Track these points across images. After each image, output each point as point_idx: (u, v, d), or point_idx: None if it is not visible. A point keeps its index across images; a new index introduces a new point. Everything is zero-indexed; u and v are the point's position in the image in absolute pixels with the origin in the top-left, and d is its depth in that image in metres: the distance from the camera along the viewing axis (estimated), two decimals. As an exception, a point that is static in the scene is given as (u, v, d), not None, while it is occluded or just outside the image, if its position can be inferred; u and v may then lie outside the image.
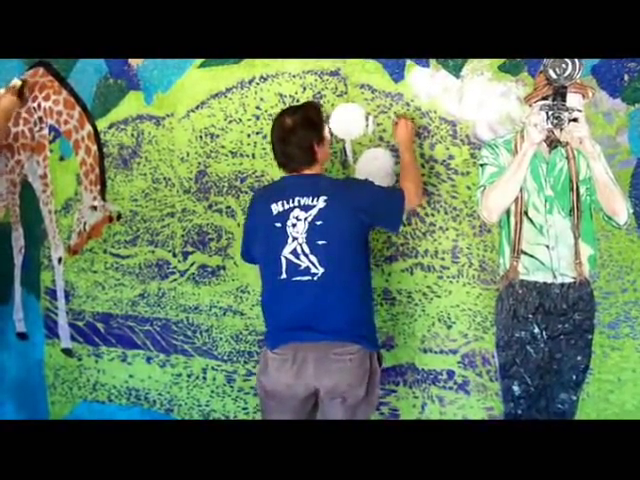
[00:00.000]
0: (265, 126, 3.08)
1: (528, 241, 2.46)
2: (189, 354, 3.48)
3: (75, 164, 3.65)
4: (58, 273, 3.81)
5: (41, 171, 3.79)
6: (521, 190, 2.40)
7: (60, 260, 3.79)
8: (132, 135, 3.48)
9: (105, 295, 3.67)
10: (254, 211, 2.68)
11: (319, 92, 3.04)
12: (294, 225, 2.49)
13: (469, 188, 2.82)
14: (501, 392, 2.59)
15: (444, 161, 2.87)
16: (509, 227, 2.50)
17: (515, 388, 2.51)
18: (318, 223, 2.47)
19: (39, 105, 3.73)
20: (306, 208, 2.49)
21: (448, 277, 2.91)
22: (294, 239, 2.49)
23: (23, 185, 3.87)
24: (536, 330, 2.48)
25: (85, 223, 3.66)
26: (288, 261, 2.50)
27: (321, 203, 2.48)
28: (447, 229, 2.90)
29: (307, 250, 2.47)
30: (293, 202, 2.51)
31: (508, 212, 2.48)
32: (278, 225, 2.51)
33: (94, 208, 3.62)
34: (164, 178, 3.43)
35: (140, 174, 3.49)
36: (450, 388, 2.95)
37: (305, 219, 2.48)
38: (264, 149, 3.11)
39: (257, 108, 3.16)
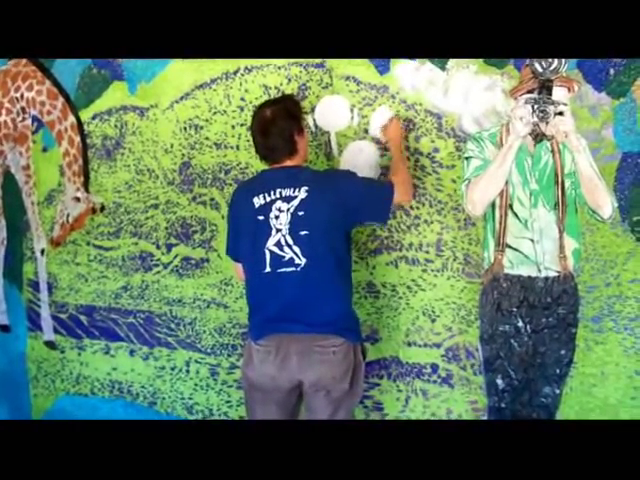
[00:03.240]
0: (250, 118, 3.03)
1: (513, 235, 2.46)
2: (172, 347, 3.46)
3: (58, 155, 3.62)
4: (41, 265, 3.78)
5: (24, 162, 3.75)
6: (506, 183, 2.40)
7: (43, 252, 3.76)
8: (116, 126, 3.45)
9: (88, 287, 3.64)
10: (236, 206, 2.67)
11: (304, 84, 3.02)
12: (277, 217, 2.49)
13: (454, 181, 2.82)
14: (485, 386, 2.59)
15: (429, 154, 2.86)
16: (494, 220, 2.50)
17: (499, 382, 2.50)
18: (300, 214, 2.47)
19: (22, 95, 3.69)
20: (288, 199, 2.49)
21: (432, 270, 2.91)
22: (277, 231, 2.49)
23: (5, 176, 3.84)
24: (520, 324, 2.47)
25: (68, 215, 3.63)
26: (272, 253, 2.50)
27: (302, 194, 2.48)
28: (432, 222, 2.89)
29: (290, 241, 2.47)
30: (275, 194, 2.51)
31: (493, 205, 2.47)
32: (261, 218, 2.51)
33: (77, 199, 3.59)
34: (148, 169, 3.40)
35: (124, 165, 3.46)
36: (434, 382, 2.95)
37: (287, 210, 2.48)
38: (248, 141, 3.08)
39: (242, 99, 3.14)
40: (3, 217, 3.87)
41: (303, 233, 2.46)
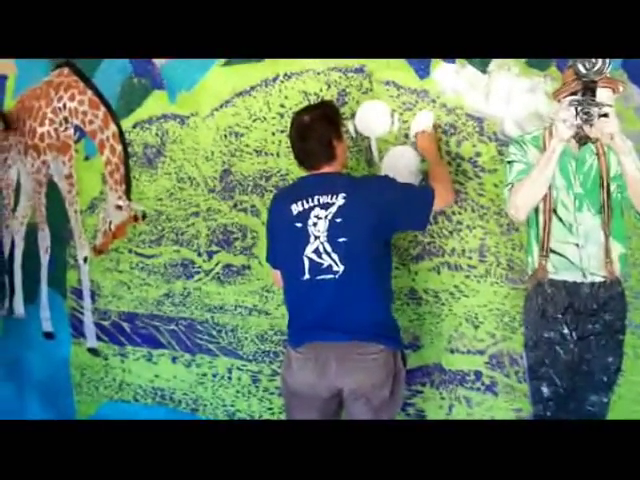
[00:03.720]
0: (290, 125, 3.04)
1: (557, 239, 2.41)
2: (214, 354, 3.46)
3: (100, 164, 3.66)
4: (84, 273, 3.82)
5: (67, 171, 3.80)
6: (550, 188, 2.36)
7: (86, 260, 3.80)
8: (156, 134, 3.48)
9: (130, 294, 3.67)
10: (274, 214, 2.68)
11: (344, 89, 3.01)
12: (315, 224, 2.48)
13: (496, 186, 2.77)
14: (530, 393, 2.54)
15: (471, 158, 2.82)
16: (537, 225, 2.45)
17: (544, 389, 2.46)
18: (338, 220, 2.45)
19: (64, 105, 3.74)
20: (326, 206, 2.48)
21: (475, 276, 2.87)
22: (316, 238, 2.47)
23: (49, 185, 3.89)
24: (565, 330, 2.43)
25: (110, 223, 3.67)
26: (311, 261, 2.49)
27: (340, 200, 2.47)
28: (474, 227, 2.85)
29: (329, 248, 2.46)
30: (312, 201, 2.50)
31: (536, 210, 2.43)
32: (299, 225, 2.50)
33: (119, 208, 3.62)
34: (189, 177, 3.42)
35: (165, 173, 3.48)
36: (477, 389, 2.90)
37: (325, 217, 2.47)
38: (288, 147, 3.06)
39: (281, 106, 3.14)
40: (47, 225, 3.92)
41: (341, 240, 2.45)
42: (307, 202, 2.50)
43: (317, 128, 2.53)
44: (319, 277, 2.48)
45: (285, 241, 2.58)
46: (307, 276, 2.49)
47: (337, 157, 2.57)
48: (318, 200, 2.49)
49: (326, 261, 2.47)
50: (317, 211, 2.48)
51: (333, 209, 2.46)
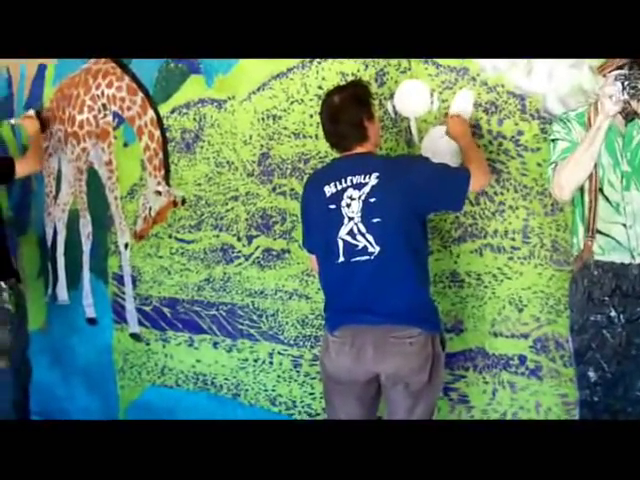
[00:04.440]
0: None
1: (603, 219, 2.34)
2: (255, 339, 3.46)
3: (139, 150, 3.67)
4: (125, 259, 3.84)
5: (106, 158, 3.82)
6: (595, 166, 2.28)
7: (127, 246, 3.83)
8: (194, 119, 3.47)
9: (171, 280, 3.69)
10: (307, 197, 2.65)
11: (381, 69, 2.95)
12: (349, 205, 2.44)
13: (540, 165, 2.70)
14: (576, 378, 2.48)
15: (513, 137, 2.75)
16: (583, 205, 2.38)
17: (591, 374, 2.39)
18: (372, 200, 2.41)
19: (102, 92, 3.76)
20: (359, 186, 2.43)
21: (519, 258, 2.79)
22: (350, 219, 2.44)
23: (89, 172, 3.92)
24: (613, 313, 2.35)
25: (150, 208, 3.68)
26: (345, 242, 2.45)
27: (373, 180, 2.42)
28: (517, 208, 2.78)
29: (363, 229, 2.42)
30: (345, 182, 2.46)
31: (582, 189, 2.36)
32: (333, 207, 2.47)
33: (158, 193, 3.63)
34: (227, 162, 3.41)
35: (203, 158, 3.48)
36: (522, 374, 2.84)
37: (359, 197, 2.42)
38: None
39: (319, 88, 3.09)
40: (88, 212, 3.96)
41: (376, 220, 2.40)
42: (340, 183, 2.47)
43: (348, 109, 2.49)
44: (354, 259, 2.44)
45: (319, 224, 2.55)
46: (342, 259, 2.46)
47: (369, 138, 2.53)
48: (351, 181, 2.45)
49: (361, 242, 2.43)
50: (350, 192, 2.44)
51: (367, 189, 2.42)
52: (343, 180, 2.46)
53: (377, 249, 2.41)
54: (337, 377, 2.51)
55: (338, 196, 2.47)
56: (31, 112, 3.89)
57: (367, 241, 2.42)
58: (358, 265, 2.44)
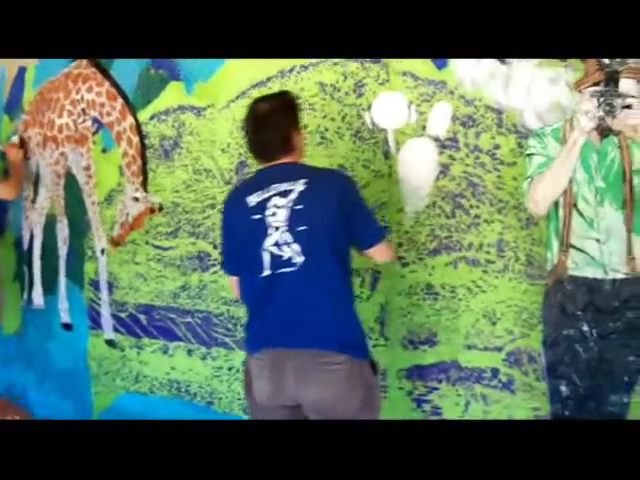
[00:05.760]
0: (306, 116, 3.00)
1: (577, 235, 2.34)
2: (230, 347, 3.44)
3: (118, 155, 3.66)
4: (101, 264, 3.83)
5: (85, 163, 3.80)
6: (570, 181, 2.29)
7: (103, 251, 3.81)
8: (173, 126, 3.46)
9: (147, 287, 3.67)
10: (228, 211, 2.48)
11: (360, 80, 2.96)
12: (274, 214, 2.28)
13: (515, 179, 2.71)
14: (548, 392, 2.47)
15: (489, 151, 2.76)
16: (557, 220, 2.39)
17: (563, 388, 2.39)
18: (298, 207, 2.26)
19: (82, 97, 3.74)
20: (285, 194, 2.29)
21: (493, 271, 2.80)
22: (276, 229, 2.28)
23: (67, 177, 3.90)
24: (585, 328, 2.35)
25: (128, 214, 3.67)
26: (271, 254, 2.29)
27: (300, 186, 2.29)
28: (492, 222, 2.79)
29: (289, 239, 2.26)
30: (270, 190, 2.31)
31: (556, 204, 2.36)
32: (257, 217, 2.30)
33: (136, 199, 3.62)
34: (205, 169, 3.40)
35: (181, 165, 3.47)
36: (495, 387, 2.84)
37: (285, 205, 2.28)
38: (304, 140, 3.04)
39: (298, 98, 3.09)
40: (65, 217, 3.93)
41: (302, 228, 2.25)
42: (264, 192, 2.32)
43: (274, 117, 2.37)
44: (280, 271, 2.27)
45: (242, 237, 2.36)
46: (268, 272, 2.29)
47: (295, 149, 2.42)
48: (276, 188, 2.31)
49: (286, 253, 2.26)
50: (276, 200, 2.29)
51: (293, 195, 2.28)
52: (266, 189, 2.32)
53: (303, 258, 2.26)
54: (259, 401, 2.35)
55: (262, 205, 2.30)
56: (15, 139, 3.88)
57: (293, 251, 2.26)
58: (282, 277, 2.27)
